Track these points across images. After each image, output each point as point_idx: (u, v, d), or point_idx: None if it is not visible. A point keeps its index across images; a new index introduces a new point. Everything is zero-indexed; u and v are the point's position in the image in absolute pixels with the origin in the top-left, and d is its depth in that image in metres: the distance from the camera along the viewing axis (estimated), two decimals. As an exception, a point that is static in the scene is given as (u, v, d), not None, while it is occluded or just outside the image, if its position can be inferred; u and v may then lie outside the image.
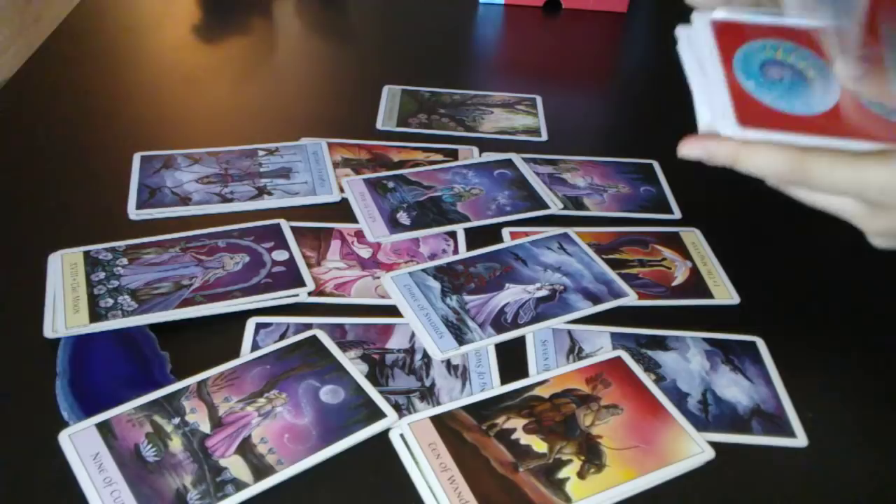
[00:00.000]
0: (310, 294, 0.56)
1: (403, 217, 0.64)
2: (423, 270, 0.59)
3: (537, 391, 0.50)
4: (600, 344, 0.54)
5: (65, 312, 0.52)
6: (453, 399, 0.49)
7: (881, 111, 0.41)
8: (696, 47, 0.42)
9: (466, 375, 0.51)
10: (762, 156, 0.39)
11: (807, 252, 0.65)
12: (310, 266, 0.58)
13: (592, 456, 0.46)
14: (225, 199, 0.65)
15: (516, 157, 0.72)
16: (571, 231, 0.64)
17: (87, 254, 0.57)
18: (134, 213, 0.63)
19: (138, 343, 0.51)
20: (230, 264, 0.58)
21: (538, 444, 0.47)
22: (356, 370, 0.50)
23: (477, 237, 0.63)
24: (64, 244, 0.58)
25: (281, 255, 0.59)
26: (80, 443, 0.45)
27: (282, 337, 0.53)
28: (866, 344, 0.56)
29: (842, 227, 0.68)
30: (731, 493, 0.46)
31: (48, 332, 0.51)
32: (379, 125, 0.76)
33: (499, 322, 0.55)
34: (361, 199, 0.66)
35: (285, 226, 0.62)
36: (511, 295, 0.57)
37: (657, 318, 0.56)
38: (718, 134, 0.40)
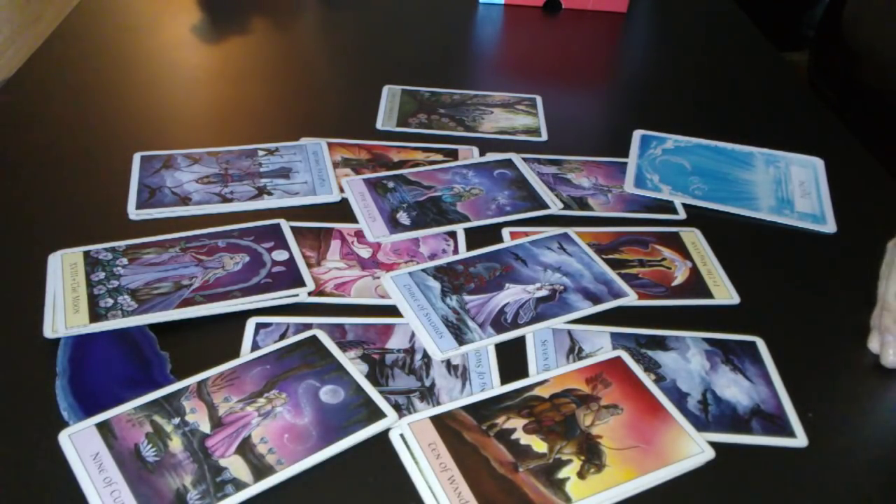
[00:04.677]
0: (310, 294, 0.56)
1: (403, 217, 0.64)
2: (423, 270, 0.59)
3: (537, 391, 0.50)
4: (600, 344, 0.54)
5: (65, 312, 0.52)
6: (453, 399, 0.49)
7: None
8: None
9: (466, 375, 0.51)
10: None
11: (807, 252, 0.65)
12: (310, 266, 0.58)
13: (592, 456, 0.46)
14: (225, 199, 0.65)
15: (516, 157, 0.72)
16: (571, 231, 0.64)
17: (87, 254, 0.57)
18: (134, 213, 0.63)
19: (138, 343, 0.51)
20: (230, 264, 0.58)
21: (538, 444, 0.47)
22: (356, 370, 0.50)
23: (477, 237, 0.63)
24: (64, 244, 0.58)
25: (281, 255, 0.59)
26: (80, 443, 0.45)
27: (282, 337, 0.53)
28: (866, 344, 0.56)
29: (841, 228, 0.68)
30: (731, 493, 0.46)
31: (48, 332, 0.51)
32: (379, 125, 0.76)
33: (499, 322, 0.55)
34: (361, 199, 0.66)
35: (285, 226, 0.62)
36: (511, 295, 0.57)
37: (657, 318, 0.56)
38: None
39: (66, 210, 0.63)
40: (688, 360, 0.53)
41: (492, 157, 0.73)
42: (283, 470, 0.44)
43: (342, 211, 0.65)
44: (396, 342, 0.53)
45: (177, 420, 0.46)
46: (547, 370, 0.52)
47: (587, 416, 0.48)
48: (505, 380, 0.51)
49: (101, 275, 0.56)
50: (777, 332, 0.56)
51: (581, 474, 0.45)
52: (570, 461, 0.46)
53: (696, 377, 0.52)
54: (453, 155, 0.73)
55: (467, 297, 0.57)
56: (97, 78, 0.81)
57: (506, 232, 0.64)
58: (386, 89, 0.82)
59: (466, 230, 0.64)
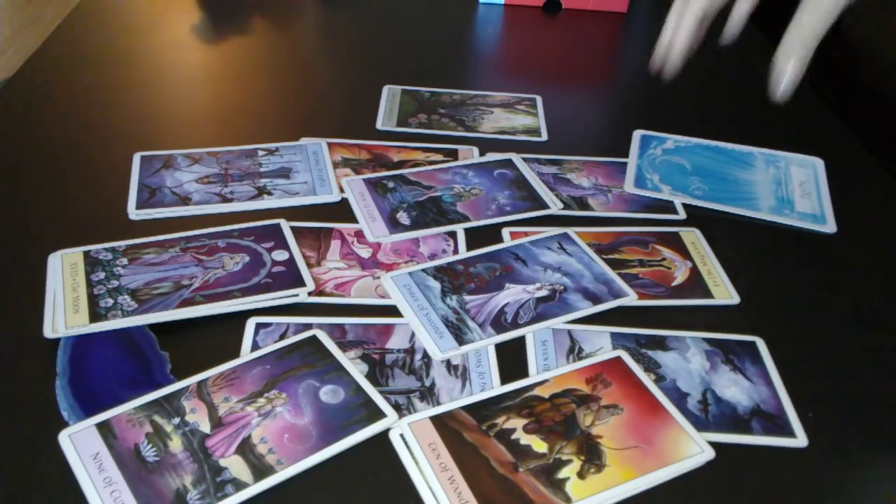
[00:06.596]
0: (310, 294, 0.56)
1: (403, 217, 0.64)
2: (423, 270, 0.59)
3: (537, 391, 0.50)
4: (600, 344, 0.54)
5: (65, 312, 0.52)
6: (453, 399, 0.49)
7: None
8: None
9: (466, 375, 0.51)
10: None
11: (807, 252, 0.65)
12: (310, 266, 0.58)
13: (592, 456, 0.46)
14: (225, 199, 0.65)
15: (516, 157, 0.72)
16: (571, 231, 0.64)
17: (86, 254, 0.57)
18: (134, 213, 0.63)
19: (138, 343, 0.51)
20: (230, 264, 0.58)
21: (538, 444, 0.47)
22: (356, 370, 0.50)
23: (477, 237, 0.63)
24: (64, 244, 0.58)
25: (281, 255, 0.59)
26: (80, 443, 0.45)
27: (282, 337, 0.53)
28: (866, 344, 0.56)
29: (841, 228, 0.68)
30: (731, 493, 0.46)
31: (48, 332, 0.51)
32: (379, 125, 0.76)
33: (499, 322, 0.55)
34: (361, 199, 0.66)
35: (285, 226, 0.62)
36: (511, 295, 0.57)
37: (657, 318, 0.57)
38: None
39: (66, 210, 0.63)
40: (688, 360, 0.53)
41: (492, 157, 0.73)
42: (283, 470, 0.44)
43: (342, 211, 0.65)
44: (396, 342, 0.53)
45: (177, 420, 0.46)
46: (547, 370, 0.52)
47: (587, 416, 0.48)
48: (505, 380, 0.51)
49: (101, 275, 0.56)
50: (777, 332, 0.56)
51: (581, 474, 0.45)
52: (570, 461, 0.46)
53: (696, 377, 0.52)
54: (453, 155, 0.73)
55: (467, 297, 0.57)
56: (97, 78, 0.81)
57: (506, 232, 0.64)
58: (386, 89, 0.82)
59: (466, 230, 0.64)
